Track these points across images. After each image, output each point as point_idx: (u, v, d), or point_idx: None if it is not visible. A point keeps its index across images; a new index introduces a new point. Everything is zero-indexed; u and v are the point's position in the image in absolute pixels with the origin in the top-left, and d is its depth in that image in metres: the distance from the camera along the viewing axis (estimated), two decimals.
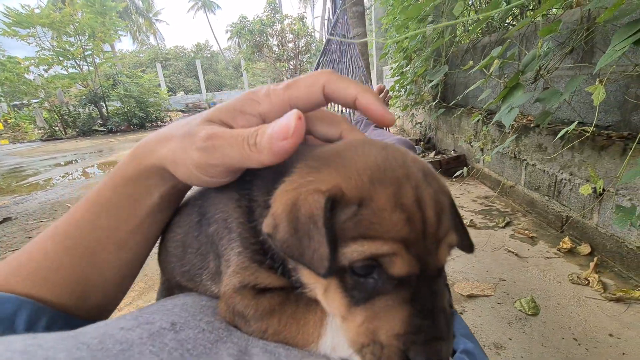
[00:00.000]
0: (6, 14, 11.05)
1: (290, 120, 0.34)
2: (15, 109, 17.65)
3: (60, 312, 0.46)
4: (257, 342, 0.37)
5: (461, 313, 1.46)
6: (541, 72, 1.81)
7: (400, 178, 0.35)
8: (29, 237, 2.88)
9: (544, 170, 2.10)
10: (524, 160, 2.29)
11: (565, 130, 1.45)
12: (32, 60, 12.67)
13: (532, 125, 2.13)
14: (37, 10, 11.90)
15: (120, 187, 0.50)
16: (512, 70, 2.29)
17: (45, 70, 13.21)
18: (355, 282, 0.35)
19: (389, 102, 2.31)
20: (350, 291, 0.35)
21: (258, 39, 18.82)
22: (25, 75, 13.47)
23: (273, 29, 18.93)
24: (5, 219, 3.43)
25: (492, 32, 2.78)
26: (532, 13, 2.47)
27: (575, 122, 1.40)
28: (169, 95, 17.09)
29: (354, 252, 0.33)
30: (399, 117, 5.06)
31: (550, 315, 1.39)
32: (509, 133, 2.27)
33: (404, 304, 0.33)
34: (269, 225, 0.36)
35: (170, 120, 15.61)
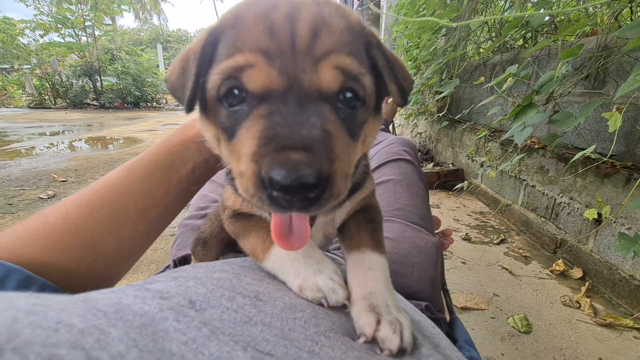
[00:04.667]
0: None
1: None
2: (4, 72, 17.04)
3: (47, 282, 0.44)
4: (291, 323, 0.37)
5: None
6: (554, 95, 1.83)
7: (280, 2, 0.33)
8: (10, 204, 2.76)
9: (544, 193, 2.12)
10: (524, 180, 2.32)
11: (580, 153, 1.46)
12: (29, 24, 12.25)
13: (536, 146, 2.15)
14: None
15: (162, 154, 0.56)
16: (521, 90, 2.32)
17: (41, 36, 12.80)
18: (225, 114, 0.33)
19: (396, 109, 2.32)
20: (224, 128, 0.34)
21: None
22: (19, 39, 13.03)
23: None
24: None
25: (504, 51, 2.81)
26: (546, 36, 2.51)
27: (593, 147, 1.41)
28: None
29: (216, 73, 0.32)
30: (400, 125, 5.08)
31: (542, 334, 1.40)
32: (512, 152, 2.30)
33: (260, 119, 0.30)
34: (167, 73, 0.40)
35: (166, 102, 15.30)
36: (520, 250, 2.05)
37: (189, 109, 0.35)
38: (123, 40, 17.20)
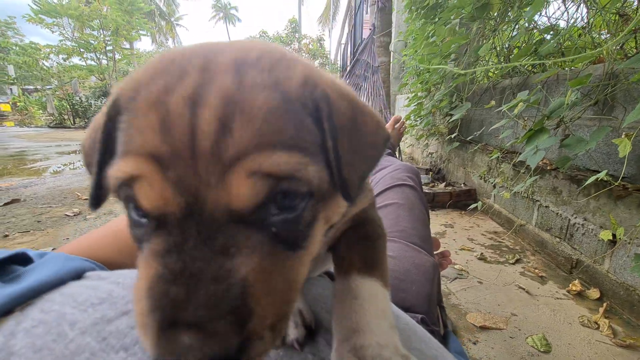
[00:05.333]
0: (36, 1, 11.36)
1: None
2: (27, 93, 17.81)
3: None
4: None
5: (474, 343, 1.48)
6: (564, 120, 1.91)
7: (188, 68, 0.24)
8: (38, 221, 2.89)
9: (557, 213, 2.16)
10: (537, 201, 2.36)
11: (594, 177, 1.52)
12: (53, 48, 12.93)
13: (548, 168, 2.21)
14: (65, 1, 12.23)
15: None
16: (531, 114, 2.40)
17: (64, 60, 13.46)
18: (130, 222, 0.26)
19: (404, 132, 2.40)
20: (132, 235, 0.26)
21: None
22: (43, 62, 13.70)
23: (291, 47, 19.50)
24: (14, 200, 3.44)
25: (512, 75, 2.92)
26: (554, 63, 2.61)
27: (605, 172, 1.48)
28: None
29: (109, 176, 0.24)
30: (410, 145, 5.17)
31: (562, 354, 1.42)
32: (524, 173, 2.35)
33: (154, 259, 0.22)
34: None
35: None
36: (536, 270, 2.07)
37: (95, 205, 0.28)
38: (140, 63, 17.94)
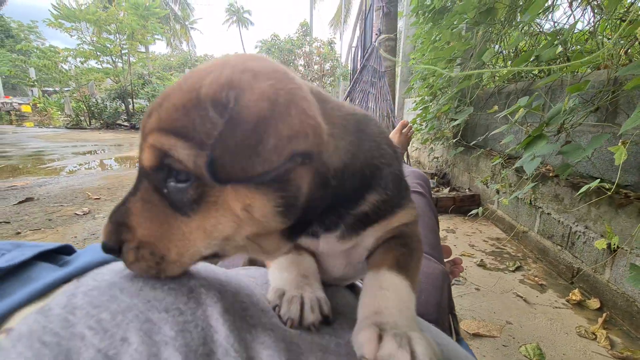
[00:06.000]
0: (56, 6, 11.77)
1: None
2: (46, 95, 18.41)
3: None
4: None
5: None
6: (565, 126, 1.88)
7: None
8: (50, 220, 2.99)
9: (559, 221, 2.13)
10: (540, 208, 2.33)
11: (587, 186, 1.50)
12: (71, 52, 13.34)
13: (550, 174, 2.18)
14: (83, 7, 12.63)
15: None
16: (535, 119, 2.37)
17: (82, 63, 13.86)
18: None
19: (411, 137, 2.37)
20: None
21: (286, 57, 19.52)
22: (62, 65, 14.14)
23: (302, 50, 19.64)
24: (28, 199, 3.56)
25: (518, 80, 2.89)
26: (557, 67, 2.58)
27: (598, 180, 1.46)
28: None
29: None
30: (417, 149, 5.15)
31: None
32: (527, 179, 2.32)
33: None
34: None
35: None
36: (536, 278, 2.04)
37: None
38: (155, 66, 18.34)
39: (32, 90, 20.36)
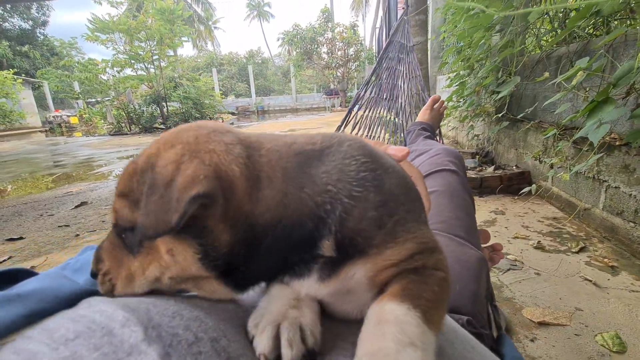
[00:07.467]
0: (92, 21, 12.44)
1: None
2: (90, 105, 19.72)
3: None
4: None
5: (532, 340, 1.35)
6: (636, 86, 1.65)
7: None
8: (103, 221, 3.18)
9: (630, 194, 1.90)
10: (605, 181, 2.09)
11: None
12: (108, 62, 14.11)
13: (617, 143, 1.94)
14: (115, 18, 13.25)
15: None
16: (594, 83, 2.12)
17: (118, 72, 14.63)
18: None
19: (444, 113, 2.21)
20: None
21: (309, 46, 19.29)
22: (101, 76, 15.03)
23: (324, 37, 19.30)
24: (83, 203, 3.82)
25: (570, 42, 2.59)
26: (620, 22, 2.27)
27: None
28: (222, 98, 18.03)
29: None
30: (454, 128, 4.88)
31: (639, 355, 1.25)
32: (587, 151, 2.09)
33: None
34: None
35: (222, 121, 16.46)
36: (606, 260, 1.84)
37: None
38: (184, 69, 18.96)
39: (77, 103, 21.90)
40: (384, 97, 3.41)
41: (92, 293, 0.40)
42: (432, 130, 1.98)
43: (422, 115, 2.03)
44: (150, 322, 0.31)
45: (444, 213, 0.98)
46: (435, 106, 2.03)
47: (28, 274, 0.44)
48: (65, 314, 0.32)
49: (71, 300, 0.36)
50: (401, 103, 3.33)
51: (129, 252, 0.39)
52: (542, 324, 1.43)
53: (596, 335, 1.34)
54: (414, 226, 0.39)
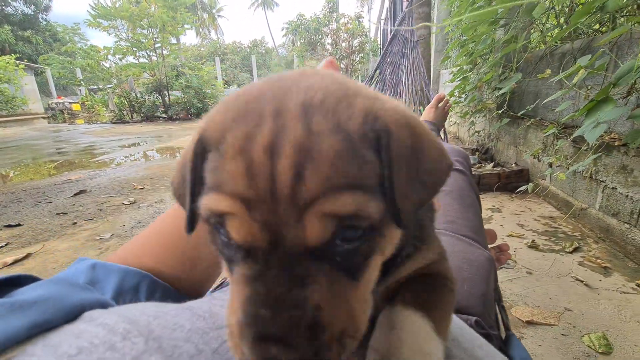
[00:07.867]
0: (94, 7, 12.31)
1: None
2: (92, 93, 19.65)
3: (167, 286, 0.53)
4: None
5: (519, 339, 1.36)
6: (636, 86, 1.62)
7: (264, 113, 0.27)
8: (100, 210, 3.20)
9: (627, 195, 1.88)
10: (602, 181, 2.07)
11: None
12: (110, 50, 14.00)
13: (616, 144, 1.92)
14: (117, 4, 13.10)
15: None
16: (596, 82, 2.08)
17: (120, 59, 14.53)
18: (221, 243, 0.30)
19: (448, 111, 2.18)
20: (222, 254, 0.31)
21: (313, 37, 19.07)
22: (103, 63, 14.93)
23: (329, 28, 19.05)
24: (82, 191, 3.84)
25: (574, 38, 2.54)
26: (626, 19, 2.22)
27: None
28: (224, 88, 17.94)
29: (202, 206, 0.28)
30: (455, 123, 4.84)
31: (625, 356, 1.25)
32: (586, 150, 2.07)
33: (246, 284, 0.27)
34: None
35: None
36: (599, 261, 1.84)
37: (190, 229, 0.32)
38: (186, 57, 18.82)
39: (80, 90, 21.83)
40: (388, 93, 3.38)
41: (94, 301, 0.38)
42: (436, 128, 1.96)
43: (427, 114, 2.01)
44: (151, 333, 0.32)
45: (451, 213, 0.98)
46: (440, 104, 2.00)
47: (31, 279, 0.41)
48: (68, 328, 0.32)
49: (74, 309, 0.34)
50: (405, 100, 3.30)
51: (348, 277, 0.28)
52: (530, 323, 1.44)
53: (583, 336, 1.35)
54: (432, 235, 0.41)
